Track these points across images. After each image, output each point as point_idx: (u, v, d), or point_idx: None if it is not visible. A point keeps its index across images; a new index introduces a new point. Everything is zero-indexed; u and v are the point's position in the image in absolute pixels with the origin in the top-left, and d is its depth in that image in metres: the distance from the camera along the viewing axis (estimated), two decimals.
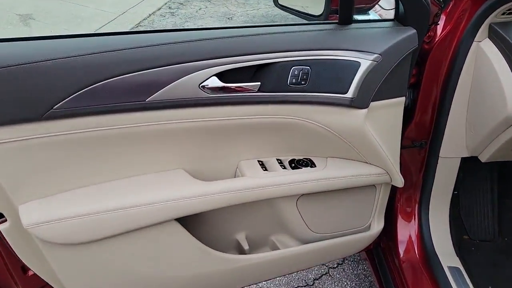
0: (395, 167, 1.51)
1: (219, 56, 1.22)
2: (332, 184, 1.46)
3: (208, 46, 1.22)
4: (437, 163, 1.69)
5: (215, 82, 1.23)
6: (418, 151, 1.73)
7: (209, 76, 1.22)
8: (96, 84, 1.11)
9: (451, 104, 1.58)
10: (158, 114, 1.21)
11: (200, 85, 1.21)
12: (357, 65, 1.30)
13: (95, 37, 1.16)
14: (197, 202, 1.30)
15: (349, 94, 1.31)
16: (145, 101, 1.18)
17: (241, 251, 1.55)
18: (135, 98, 1.17)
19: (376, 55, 1.30)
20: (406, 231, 1.79)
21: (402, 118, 1.49)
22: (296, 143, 1.46)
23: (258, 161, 1.45)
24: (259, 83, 1.27)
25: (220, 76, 1.24)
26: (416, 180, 1.78)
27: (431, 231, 1.78)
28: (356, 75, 1.30)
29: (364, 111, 1.35)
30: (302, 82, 1.30)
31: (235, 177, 1.47)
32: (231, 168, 1.45)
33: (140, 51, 1.16)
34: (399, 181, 1.54)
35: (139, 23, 5.97)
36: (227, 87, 1.25)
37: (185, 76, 1.19)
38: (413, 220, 1.79)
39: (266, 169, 1.42)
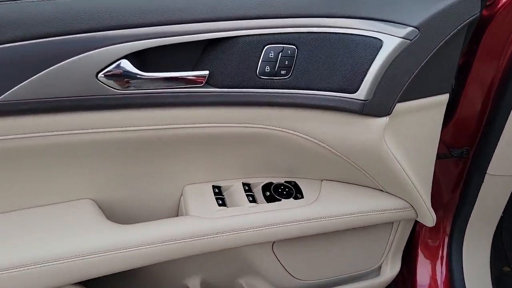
0: (425, 201, 1.00)
1: (133, 25, 0.70)
2: (327, 226, 0.96)
3: (113, 5, 0.69)
4: (482, 181, 1.18)
5: (126, 68, 0.70)
6: (455, 162, 1.23)
7: (114, 60, 0.70)
8: None
9: None
10: (20, 122, 0.70)
11: (99, 75, 0.70)
12: (377, 44, 0.77)
13: None
14: (105, 260, 0.81)
15: (361, 93, 0.79)
16: None
17: None
18: None
19: (410, 29, 0.77)
20: (428, 270, 1.30)
21: (441, 126, 0.96)
22: (273, 160, 0.95)
23: (214, 186, 0.94)
24: (207, 72, 0.75)
25: (137, 59, 0.72)
26: (448, 201, 1.28)
27: (464, 272, 1.29)
28: (375, 61, 0.77)
29: (383, 120, 0.82)
30: (283, 72, 0.77)
31: (178, 208, 0.96)
32: (172, 195, 0.95)
33: None
34: (430, 220, 1.03)
35: None
36: (150, 78, 0.72)
37: (67, 58, 0.67)
38: (439, 256, 1.30)
39: (223, 203, 0.91)
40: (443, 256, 1.29)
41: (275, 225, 0.91)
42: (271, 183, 0.98)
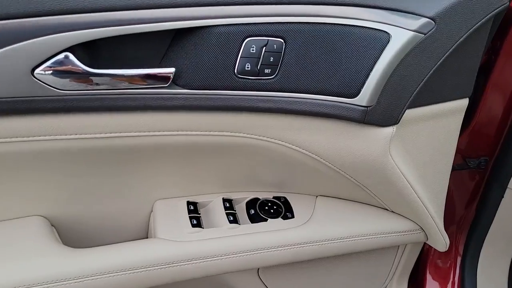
0: (437, 223, 0.86)
1: (80, 9, 0.56)
2: (321, 251, 0.82)
3: None
4: (502, 196, 1.04)
5: (70, 64, 0.57)
6: (471, 174, 1.09)
7: (55, 53, 0.56)
8: None
9: None
10: None
11: (35, 71, 0.56)
12: (382, 39, 0.63)
13: None
14: None
15: (362, 98, 0.65)
16: None
17: None
18: None
19: (424, 20, 0.63)
20: None
21: (457, 136, 0.82)
22: (259, 173, 0.82)
23: (189, 202, 0.81)
24: (173, 69, 0.61)
25: (84, 52, 0.58)
26: (462, 218, 1.14)
27: None
28: (380, 60, 0.64)
29: (388, 130, 0.68)
30: (267, 71, 0.64)
31: (148, 227, 0.83)
32: (140, 212, 0.82)
33: None
34: (442, 244, 0.90)
35: None
36: (101, 76, 0.59)
37: None
38: (451, 279, 1.17)
39: (198, 223, 0.78)
40: (454, 280, 1.16)
41: (260, 251, 0.77)
42: (257, 199, 0.84)
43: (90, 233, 0.80)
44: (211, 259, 0.75)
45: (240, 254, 0.76)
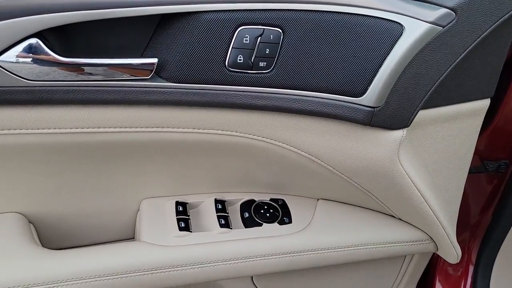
0: (449, 234, 0.79)
1: None
2: (320, 260, 0.76)
3: None
4: None
5: (38, 51, 0.51)
6: (489, 178, 1.02)
7: (20, 38, 0.50)
8: None
9: None
10: None
11: None
12: (395, 31, 0.56)
13: None
14: None
15: (369, 97, 0.58)
16: None
17: None
18: None
19: (443, 10, 0.56)
20: None
21: (476, 140, 0.74)
22: (255, 174, 0.75)
23: (178, 203, 0.75)
24: (155, 60, 0.54)
25: (56, 38, 0.53)
26: (476, 223, 1.07)
27: None
28: (391, 55, 0.57)
29: (397, 134, 0.61)
30: (262, 64, 0.57)
31: (135, 228, 0.77)
32: (126, 211, 0.77)
33: None
34: (453, 256, 0.83)
35: None
36: (74, 66, 0.53)
37: None
38: None
39: (186, 226, 0.72)
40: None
41: (251, 258, 0.71)
42: (252, 201, 0.78)
43: (73, 231, 0.75)
44: (198, 266, 0.69)
45: (230, 262, 0.70)
